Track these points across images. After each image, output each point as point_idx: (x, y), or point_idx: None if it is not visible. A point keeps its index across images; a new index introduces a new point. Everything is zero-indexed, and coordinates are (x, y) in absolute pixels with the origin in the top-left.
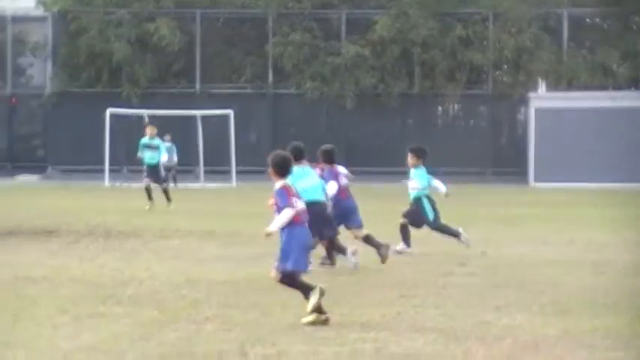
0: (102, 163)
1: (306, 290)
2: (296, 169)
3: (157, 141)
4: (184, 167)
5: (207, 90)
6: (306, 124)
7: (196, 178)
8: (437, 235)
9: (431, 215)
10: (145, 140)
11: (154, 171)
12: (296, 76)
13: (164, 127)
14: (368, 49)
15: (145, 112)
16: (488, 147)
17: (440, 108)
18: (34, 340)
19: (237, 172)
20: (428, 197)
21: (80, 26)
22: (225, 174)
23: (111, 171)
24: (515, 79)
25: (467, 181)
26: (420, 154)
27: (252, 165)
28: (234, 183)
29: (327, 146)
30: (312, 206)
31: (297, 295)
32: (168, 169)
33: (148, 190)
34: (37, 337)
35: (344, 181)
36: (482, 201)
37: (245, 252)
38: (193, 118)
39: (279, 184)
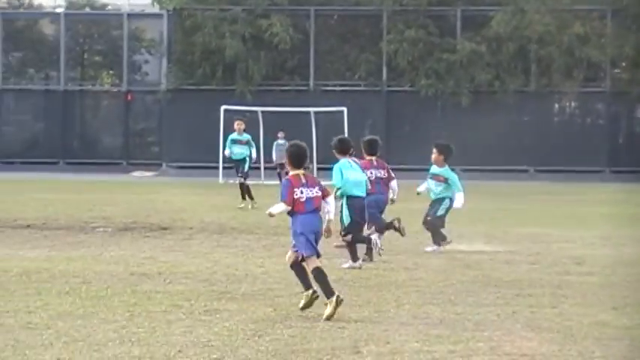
0: (216, 159)
1: (306, 282)
2: (343, 160)
3: (246, 136)
4: None
5: (320, 87)
6: (420, 122)
7: None
8: (552, 234)
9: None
10: (233, 136)
11: (238, 166)
12: (410, 73)
13: (277, 124)
14: (483, 45)
15: (259, 109)
16: (605, 145)
17: (556, 105)
18: (149, 335)
19: None
20: (451, 199)
21: (195, 23)
22: None
23: (224, 168)
24: (634, 76)
25: (585, 179)
26: (444, 151)
27: None
28: None
29: (370, 137)
30: (354, 200)
31: (411, 292)
32: (281, 165)
33: (242, 189)
34: (152, 332)
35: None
36: (600, 199)
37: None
38: (307, 115)
39: (291, 174)
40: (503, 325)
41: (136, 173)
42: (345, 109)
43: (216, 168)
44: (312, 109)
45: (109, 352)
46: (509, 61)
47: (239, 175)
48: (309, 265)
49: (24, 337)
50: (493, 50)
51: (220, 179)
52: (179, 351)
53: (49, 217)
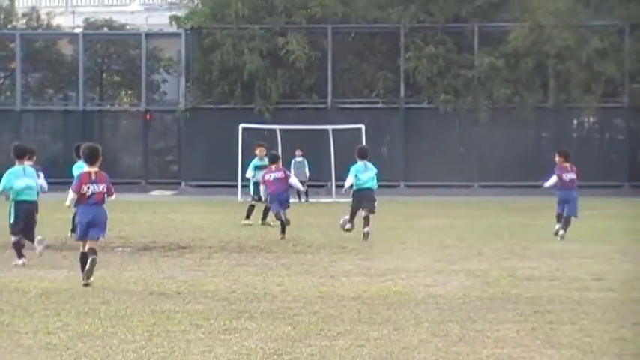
0: (235, 178)
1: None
2: (17, 168)
3: (267, 161)
4: (316, 182)
5: (338, 105)
6: (438, 138)
7: (328, 193)
8: (571, 249)
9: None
10: (255, 162)
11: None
12: (428, 90)
13: (296, 142)
14: (501, 61)
15: (277, 128)
16: (624, 160)
17: (575, 121)
18: (168, 354)
19: None
20: None
21: (213, 42)
22: None
23: (243, 186)
24: None
25: (603, 194)
26: None
27: (385, 180)
28: None
29: (273, 151)
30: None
31: (430, 309)
32: (301, 183)
33: (250, 210)
34: (171, 352)
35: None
36: (619, 214)
37: (377, 267)
38: (325, 132)
39: (84, 170)
40: (523, 341)
41: (155, 192)
42: (363, 126)
43: (235, 187)
44: (330, 127)
45: None
46: (527, 77)
47: (255, 198)
48: (84, 246)
49: (43, 357)
50: (511, 66)
51: (239, 198)
52: None
53: (67, 237)
